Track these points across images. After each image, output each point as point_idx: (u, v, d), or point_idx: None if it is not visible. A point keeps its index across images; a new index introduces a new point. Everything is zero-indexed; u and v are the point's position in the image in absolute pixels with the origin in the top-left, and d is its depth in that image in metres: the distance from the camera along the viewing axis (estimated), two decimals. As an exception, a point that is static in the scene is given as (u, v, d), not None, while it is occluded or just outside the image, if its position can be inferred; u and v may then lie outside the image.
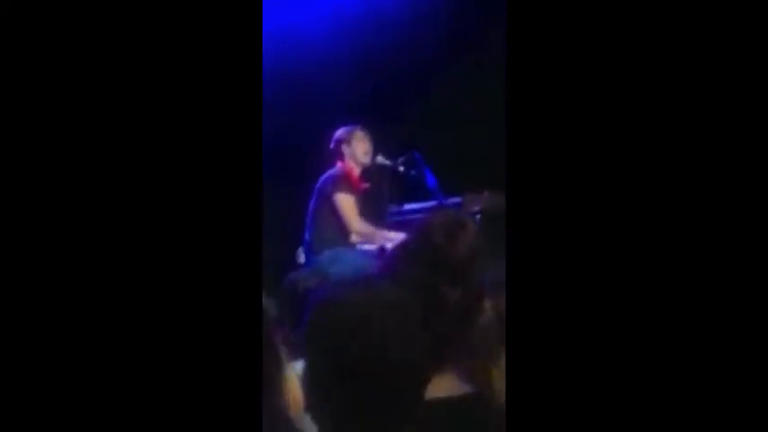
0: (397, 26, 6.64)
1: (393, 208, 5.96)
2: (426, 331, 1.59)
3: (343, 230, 5.55)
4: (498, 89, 2.01)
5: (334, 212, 5.53)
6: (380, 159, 5.73)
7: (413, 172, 5.65)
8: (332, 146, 5.69)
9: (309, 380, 1.61)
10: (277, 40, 6.20)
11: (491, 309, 1.91)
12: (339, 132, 5.69)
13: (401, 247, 2.01)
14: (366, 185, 5.71)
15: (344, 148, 5.64)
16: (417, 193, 5.76)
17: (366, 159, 5.66)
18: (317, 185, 5.62)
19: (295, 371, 1.84)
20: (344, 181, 5.59)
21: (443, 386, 1.84)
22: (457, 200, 5.57)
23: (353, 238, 5.58)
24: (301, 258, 5.67)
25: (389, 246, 4.83)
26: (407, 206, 5.88)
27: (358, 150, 5.64)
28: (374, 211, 5.79)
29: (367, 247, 5.52)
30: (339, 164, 5.65)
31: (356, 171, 5.66)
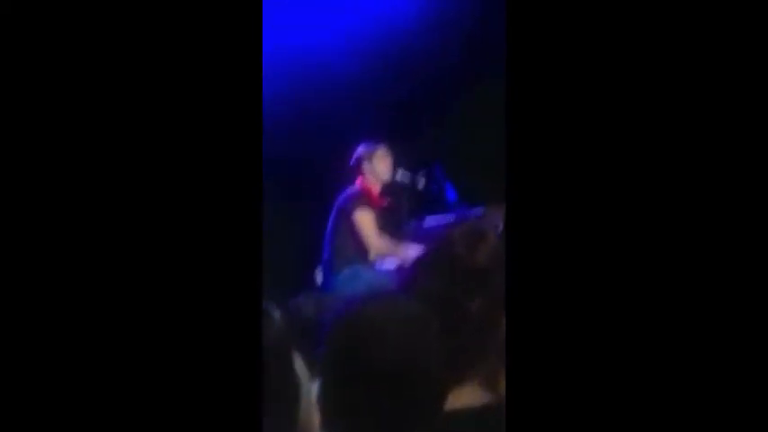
0: (413, 38, 6.61)
1: (413, 222, 5.93)
2: (446, 343, 1.62)
3: (362, 249, 5.51)
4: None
5: (354, 231, 5.49)
6: (400, 176, 5.69)
7: (433, 186, 5.63)
8: (352, 162, 5.65)
9: (327, 399, 1.60)
10: (294, 60, 6.21)
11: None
12: (360, 149, 5.66)
13: (421, 259, 2.02)
14: (385, 202, 5.68)
15: (365, 165, 5.61)
16: (437, 207, 5.73)
17: (387, 176, 5.63)
18: (336, 204, 5.59)
19: (310, 394, 1.83)
20: (364, 198, 5.55)
21: (463, 397, 1.84)
22: (477, 212, 5.55)
23: (372, 256, 5.54)
24: (319, 278, 5.64)
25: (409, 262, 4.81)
26: (427, 220, 5.85)
27: (379, 167, 5.61)
28: (393, 227, 5.75)
29: (386, 265, 5.49)
30: (358, 181, 5.63)
31: (376, 188, 5.63)
